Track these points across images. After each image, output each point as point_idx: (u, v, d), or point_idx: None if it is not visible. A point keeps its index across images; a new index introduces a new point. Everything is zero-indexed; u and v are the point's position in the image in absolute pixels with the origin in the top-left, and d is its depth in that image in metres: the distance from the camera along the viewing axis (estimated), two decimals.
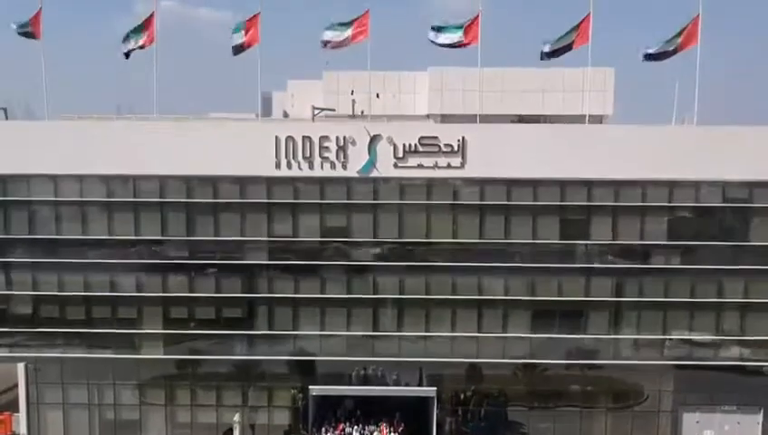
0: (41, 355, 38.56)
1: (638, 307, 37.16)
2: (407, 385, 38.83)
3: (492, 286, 37.27)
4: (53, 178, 36.95)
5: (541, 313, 37.36)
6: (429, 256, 37.08)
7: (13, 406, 40.42)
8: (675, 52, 35.53)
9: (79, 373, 38.83)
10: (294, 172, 36.09)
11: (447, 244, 36.88)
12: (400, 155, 35.86)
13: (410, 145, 35.80)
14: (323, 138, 35.79)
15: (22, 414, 39.45)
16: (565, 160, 35.71)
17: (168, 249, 37.47)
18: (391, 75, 44.05)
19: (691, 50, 35.80)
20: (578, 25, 35.50)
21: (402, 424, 38.43)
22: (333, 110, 41.76)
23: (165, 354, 38.33)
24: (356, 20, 35.91)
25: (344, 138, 35.77)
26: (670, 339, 37.38)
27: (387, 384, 38.77)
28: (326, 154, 35.87)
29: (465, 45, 36.16)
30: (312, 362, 38.52)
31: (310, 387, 38.38)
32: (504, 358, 37.82)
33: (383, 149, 35.82)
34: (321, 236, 37.05)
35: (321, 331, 37.75)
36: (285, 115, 46.63)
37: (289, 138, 35.78)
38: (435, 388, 38.19)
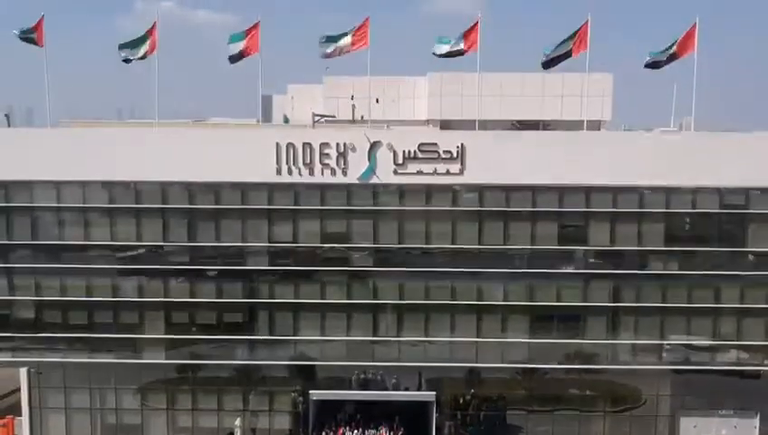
0: (43, 360, 38.81)
1: (635, 312, 37.38)
2: (406, 389, 39.10)
3: (491, 292, 37.51)
4: (55, 184, 37.16)
5: (539, 318, 37.59)
6: (429, 261, 37.31)
7: (15, 410, 40.69)
8: (673, 58, 35.81)
9: (81, 378, 39.11)
10: (295, 178, 36.30)
11: (447, 249, 37.11)
12: (400, 161, 36.10)
13: (410, 152, 36.03)
14: (324, 144, 36.02)
15: (24, 418, 39.73)
16: (563, 166, 35.91)
17: (170, 255, 37.70)
18: (391, 80, 44.21)
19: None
20: (575, 33, 35.73)
21: (402, 428, 38.69)
22: (333, 116, 41.98)
23: (166, 359, 38.53)
24: (356, 28, 36.09)
25: (344, 144, 35.98)
26: (668, 344, 37.62)
27: (386, 388, 39.00)
28: (326, 160, 36.09)
29: (464, 53, 36.39)
30: (313, 366, 38.78)
31: (310, 392, 38.65)
32: (502, 362, 38.08)
33: (383, 156, 36.05)
34: (322, 242, 37.28)
35: (321, 336, 37.95)
36: (286, 120, 46.83)
37: (289, 144, 35.99)
38: (434, 392, 38.48)
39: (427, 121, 43.31)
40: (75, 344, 38.49)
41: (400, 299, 37.67)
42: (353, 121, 42.71)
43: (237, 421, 38.59)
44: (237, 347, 38.33)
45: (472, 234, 37.01)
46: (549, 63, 36.30)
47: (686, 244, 36.86)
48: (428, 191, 36.70)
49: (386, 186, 36.54)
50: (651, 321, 37.43)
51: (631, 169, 35.90)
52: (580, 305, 37.39)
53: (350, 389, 38.91)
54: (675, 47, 35.44)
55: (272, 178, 36.34)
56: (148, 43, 36.58)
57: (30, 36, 36.76)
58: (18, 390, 40.57)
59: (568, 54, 35.84)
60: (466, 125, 38.27)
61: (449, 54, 36.63)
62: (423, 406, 39.28)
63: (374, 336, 37.91)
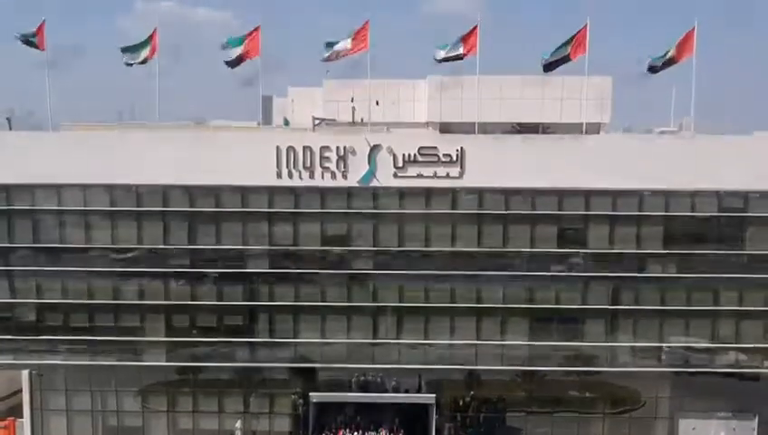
0: (44, 362, 38.97)
1: (634, 315, 37.58)
2: (406, 391, 39.27)
3: (490, 294, 37.66)
4: (57, 188, 37.32)
5: (539, 320, 37.75)
6: (428, 264, 37.45)
7: (17, 411, 40.83)
8: (672, 63, 35.92)
9: (82, 380, 39.30)
10: (295, 182, 36.46)
11: (446, 252, 37.27)
12: (400, 165, 36.27)
13: (410, 155, 36.20)
14: (324, 148, 36.20)
15: (26, 421, 39.86)
16: (563, 170, 36.11)
17: (170, 257, 37.83)
18: (391, 83, 44.27)
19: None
20: (573, 37, 35.84)
21: (402, 430, 38.84)
22: (333, 120, 42.06)
23: (167, 361, 38.70)
24: (356, 32, 36.21)
25: (344, 148, 36.17)
26: (667, 346, 37.77)
27: (386, 390, 39.18)
28: (327, 164, 36.27)
29: (464, 57, 36.50)
30: (313, 368, 38.92)
31: (310, 394, 38.80)
32: (502, 365, 38.25)
33: (383, 160, 36.24)
34: (322, 245, 37.45)
35: (321, 338, 38.14)
36: (286, 122, 46.87)
37: (290, 148, 36.16)
38: (434, 395, 38.64)
39: (427, 124, 43.36)
40: (76, 347, 38.61)
41: (400, 301, 37.83)
42: (353, 124, 42.72)
43: (238, 423, 38.77)
44: (238, 349, 38.46)
45: (471, 237, 37.21)
46: (548, 67, 36.42)
47: (685, 246, 36.97)
48: (428, 194, 36.86)
49: (386, 189, 36.69)
50: (650, 323, 37.62)
51: (630, 171, 36.02)
52: (579, 308, 37.53)
53: (350, 391, 39.06)
54: (673, 51, 35.50)
55: (272, 181, 36.50)
56: (148, 48, 36.73)
57: (31, 40, 36.90)
58: (19, 391, 40.71)
59: (567, 59, 35.93)
60: (466, 128, 38.37)
61: (446, 59, 36.68)
62: (423, 408, 39.42)
63: (374, 339, 38.08)
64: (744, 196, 36.65)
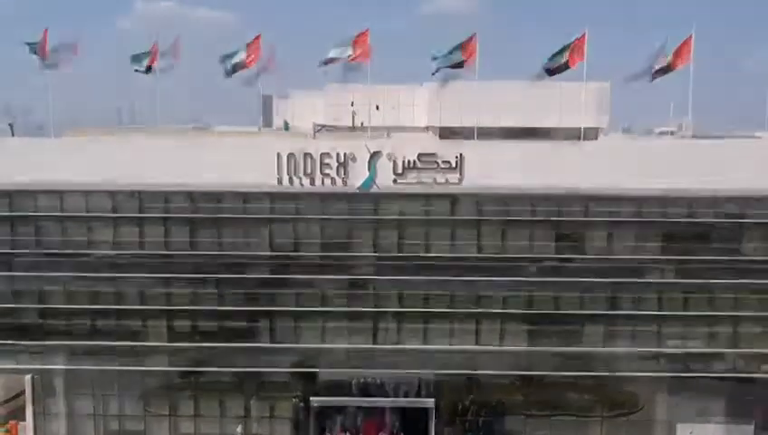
0: (46, 367, 39.23)
1: (632, 320, 37.82)
2: (406, 395, 39.51)
3: (490, 299, 37.91)
4: (59, 193, 37.64)
5: (537, 325, 37.97)
6: (428, 269, 37.68)
7: (19, 414, 41.09)
8: (668, 70, 36.17)
9: (84, 384, 39.56)
10: (296, 188, 36.69)
11: (446, 257, 37.49)
12: (400, 171, 36.50)
13: (410, 161, 36.44)
14: (324, 154, 36.41)
15: (28, 425, 40.09)
16: (561, 175, 36.26)
17: (172, 263, 38.05)
18: (391, 88, 44.48)
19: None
20: (570, 44, 36.04)
21: (401, 434, 39.10)
22: (334, 126, 42.30)
23: (169, 366, 39.04)
24: (355, 39, 36.37)
25: (345, 154, 36.37)
26: (664, 351, 38.04)
27: (386, 394, 39.43)
28: (327, 170, 36.48)
29: (464, 64, 36.67)
30: (313, 373, 39.18)
31: (311, 398, 39.03)
32: (501, 369, 38.56)
33: (383, 166, 36.45)
34: (322, 250, 37.70)
35: (321, 343, 38.39)
36: (286, 125, 47.10)
37: (290, 154, 36.38)
38: (433, 399, 38.86)
39: (427, 129, 43.55)
40: (78, 351, 38.89)
41: (400, 307, 38.07)
42: (353, 128, 42.97)
43: (239, 428, 39.03)
44: (239, 354, 38.67)
45: (471, 242, 37.44)
46: (550, 72, 36.63)
47: (683, 252, 37.17)
48: (428, 200, 37.09)
49: (386, 195, 36.91)
50: (648, 328, 37.87)
51: (630, 175, 36.21)
52: (577, 313, 37.80)
53: (350, 395, 39.30)
54: (670, 58, 35.75)
55: (273, 187, 36.73)
56: (150, 56, 37.27)
57: (35, 49, 37.28)
58: (21, 393, 40.96)
59: (565, 65, 36.17)
60: (466, 132, 38.57)
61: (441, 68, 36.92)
62: (422, 412, 39.63)
63: (374, 344, 38.32)
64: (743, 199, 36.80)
